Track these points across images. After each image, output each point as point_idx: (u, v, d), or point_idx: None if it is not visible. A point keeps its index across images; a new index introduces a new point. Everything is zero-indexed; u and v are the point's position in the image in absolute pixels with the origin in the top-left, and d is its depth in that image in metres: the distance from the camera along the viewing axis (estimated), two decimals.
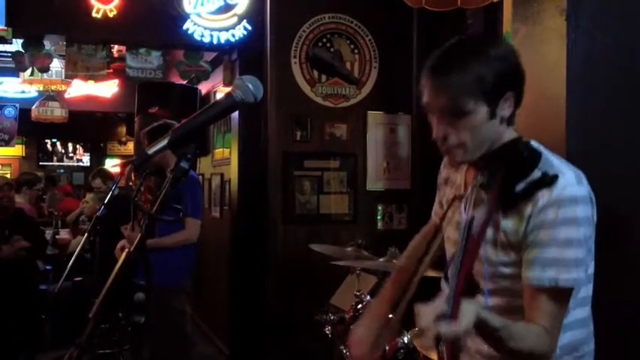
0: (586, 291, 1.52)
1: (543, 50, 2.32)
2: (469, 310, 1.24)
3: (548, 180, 1.33)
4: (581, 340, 1.52)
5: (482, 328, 1.30)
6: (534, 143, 1.43)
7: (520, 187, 1.31)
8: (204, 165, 7.06)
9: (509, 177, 1.30)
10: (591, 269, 1.52)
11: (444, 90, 1.43)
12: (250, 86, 1.24)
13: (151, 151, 1.17)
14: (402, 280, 1.71)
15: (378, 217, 5.06)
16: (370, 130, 5.06)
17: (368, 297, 3.09)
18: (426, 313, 1.23)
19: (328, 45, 5.03)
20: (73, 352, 1.10)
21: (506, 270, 1.46)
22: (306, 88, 4.96)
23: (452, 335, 1.21)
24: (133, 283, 1.16)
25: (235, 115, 5.44)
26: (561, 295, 1.40)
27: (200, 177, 6.88)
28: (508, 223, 1.44)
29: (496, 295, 1.48)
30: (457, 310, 1.21)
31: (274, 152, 4.94)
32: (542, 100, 2.28)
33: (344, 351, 2.99)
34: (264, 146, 5.04)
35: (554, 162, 1.45)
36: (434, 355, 2.86)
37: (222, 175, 6.22)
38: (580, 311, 1.51)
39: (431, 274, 1.72)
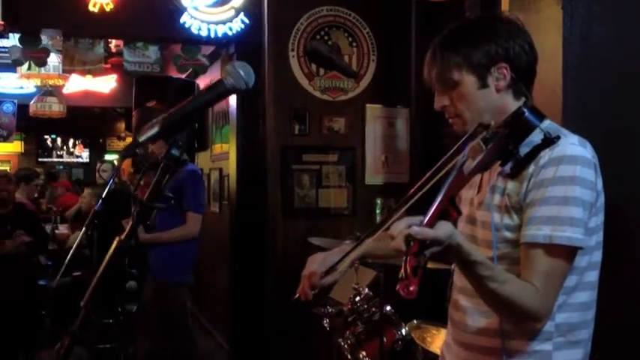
0: (592, 276, 1.50)
1: (540, 39, 2.29)
2: (446, 226, 1.26)
3: (550, 140, 1.34)
4: (578, 324, 1.50)
5: (459, 255, 1.31)
6: (548, 121, 1.45)
7: (524, 150, 1.33)
8: (202, 160, 7.05)
9: (511, 134, 1.33)
10: (598, 257, 1.51)
11: (435, 63, 1.55)
12: (242, 72, 1.23)
13: (142, 139, 1.17)
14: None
15: (377, 211, 5.05)
16: (369, 123, 5.05)
17: (366, 290, 3.09)
18: (400, 222, 1.26)
19: (326, 38, 5.01)
20: (65, 340, 1.10)
21: (510, 235, 1.47)
22: (304, 81, 4.94)
23: (421, 235, 1.21)
24: (125, 271, 1.15)
25: (233, 109, 5.44)
26: (556, 254, 1.38)
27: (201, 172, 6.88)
28: (511, 185, 1.46)
29: (502, 262, 1.47)
30: (432, 224, 1.24)
31: (273, 146, 4.92)
32: (539, 89, 2.26)
33: (342, 344, 2.99)
34: (262, 140, 5.02)
35: (561, 128, 1.49)
36: (432, 347, 2.86)
37: (220, 170, 6.21)
38: (582, 294, 1.49)
39: (442, 266, 1.73)
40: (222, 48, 5.56)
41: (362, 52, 5.07)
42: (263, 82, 4.91)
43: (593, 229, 1.46)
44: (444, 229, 1.25)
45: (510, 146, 1.34)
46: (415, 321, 3.09)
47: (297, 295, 1.86)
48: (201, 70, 5.71)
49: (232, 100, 5.46)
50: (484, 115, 1.50)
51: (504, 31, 1.51)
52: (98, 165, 6.95)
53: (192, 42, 5.41)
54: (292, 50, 4.92)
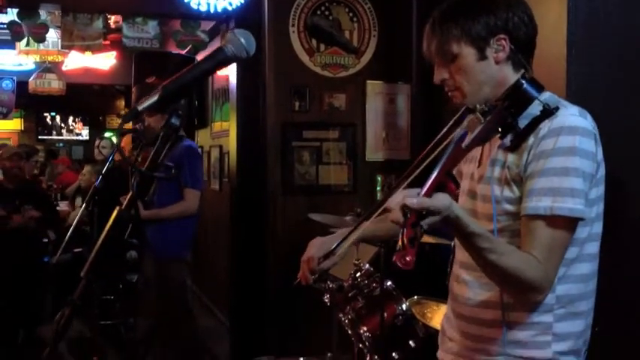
0: (592, 247, 1.50)
1: (542, 11, 2.27)
2: (443, 197, 1.27)
3: (550, 111, 1.34)
4: (578, 295, 1.50)
5: (457, 227, 1.31)
6: (548, 93, 1.45)
7: (523, 122, 1.33)
8: (202, 137, 7.03)
9: (509, 106, 1.34)
10: (598, 228, 1.51)
11: (434, 36, 1.55)
12: (242, 40, 1.21)
13: (140, 107, 1.15)
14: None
15: (378, 188, 5.05)
16: (369, 99, 5.02)
17: (367, 265, 3.09)
18: (397, 195, 1.26)
19: (327, 13, 4.96)
20: (65, 310, 1.09)
21: (511, 207, 1.46)
22: (304, 57, 4.90)
23: (418, 205, 1.21)
24: (125, 241, 1.14)
25: (233, 86, 5.40)
26: (557, 225, 1.38)
27: (199, 149, 6.86)
28: (512, 158, 1.46)
29: (503, 234, 1.48)
30: (429, 195, 1.24)
31: (273, 123, 4.90)
32: (542, 62, 2.24)
33: (343, 319, 2.99)
34: (262, 117, 5.00)
35: (560, 100, 1.48)
36: (432, 323, 2.87)
37: (221, 147, 6.20)
38: (583, 266, 1.49)
39: (442, 242, 1.74)
40: (222, 23, 5.52)
41: (363, 27, 5.02)
42: (263, 59, 4.87)
43: (594, 200, 1.45)
44: (441, 199, 1.26)
45: (509, 119, 1.34)
46: (416, 297, 3.10)
47: (298, 279, 1.89)
48: (201, 45, 5.67)
49: (232, 77, 5.42)
50: (483, 87, 1.51)
51: (503, 3, 1.51)
52: (97, 141, 6.95)
53: (192, 17, 5.36)
54: (292, 26, 4.87)
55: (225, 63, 1.23)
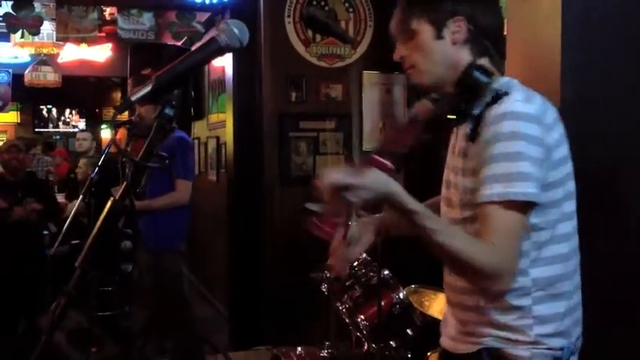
0: (565, 227, 1.49)
1: (538, 1, 2.27)
2: (375, 174, 1.31)
3: (496, 98, 1.38)
4: (558, 276, 1.49)
5: (396, 205, 1.34)
6: (507, 79, 1.48)
7: (476, 111, 1.37)
8: (199, 129, 7.02)
9: (459, 97, 1.40)
10: (569, 207, 1.50)
11: (396, 14, 1.60)
12: (236, 30, 1.21)
13: (134, 97, 1.15)
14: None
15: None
16: (366, 90, 5.01)
17: (364, 254, 3.09)
18: (331, 170, 1.29)
19: (322, 4, 4.95)
20: (60, 300, 1.10)
21: (472, 197, 1.47)
22: (300, 48, 4.89)
23: (342, 181, 1.26)
24: (119, 231, 1.14)
25: (229, 77, 5.39)
26: (510, 210, 1.37)
27: (196, 141, 6.86)
28: (472, 148, 1.47)
29: (474, 224, 1.47)
30: (362, 172, 1.29)
31: (269, 114, 4.90)
32: (536, 49, 2.25)
33: (340, 308, 3.01)
34: (259, 108, 4.99)
35: (516, 85, 1.49)
36: (430, 311, 2.88)
37: (217, 138, 6.19)
38: (558, 247, 1.48)
39: None
40: (218, 15, 5.51)
41: (359, 17, 5.01)
42: (259, 49, 4.87)
43: (557, 182, 1.44)
44: (371, 176, 1.29)
45: (462, 106, 1.36)
46: (413, 285, 3.11)
47: (332, 275, 1.87)
48: (197, 37, 5.66)
49: (228, 68, 5.41)
50: (438, 66, 1.54)
51: None
52: (77, 134, 7.00)
53: (187, 8, 5.36)
54: (288, 16, 4.86)
55: (218, 53, 1.23)
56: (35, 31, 5.53)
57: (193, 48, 6.05)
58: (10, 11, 5.27)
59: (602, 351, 2.01)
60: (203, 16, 5.75)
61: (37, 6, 5.34)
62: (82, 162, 6.40)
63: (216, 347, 4.44)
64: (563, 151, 1.47)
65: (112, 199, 1.15)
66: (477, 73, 1.41)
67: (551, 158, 1.42)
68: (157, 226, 3.86)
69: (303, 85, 4.89)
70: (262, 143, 4.91)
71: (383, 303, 2.75)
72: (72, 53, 9.17)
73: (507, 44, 2.57)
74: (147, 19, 5.53)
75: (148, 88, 1.16)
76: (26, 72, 8.89)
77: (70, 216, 3.60)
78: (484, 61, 1.54)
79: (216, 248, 6.24)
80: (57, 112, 13.74)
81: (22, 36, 7.51)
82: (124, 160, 2.69)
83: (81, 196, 3.60)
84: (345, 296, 2.96)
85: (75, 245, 5.32)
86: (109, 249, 1.11)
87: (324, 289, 3.16)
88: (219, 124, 6.08)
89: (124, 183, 1.16)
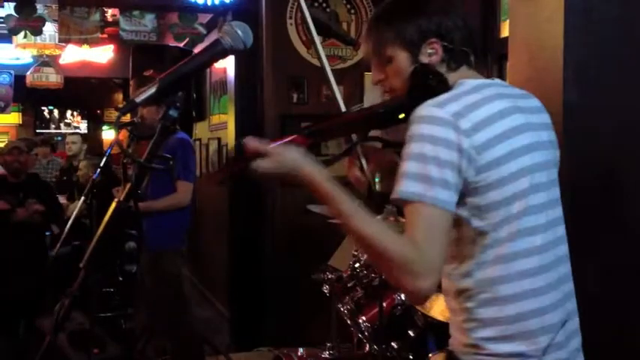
0: (510, 228, 1.42)
1: (540, 1, 2.28)
2: (290, 151, 1.42)
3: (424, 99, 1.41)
4: (499, 278, 1.43)
5: (311, 185, 1.40)
6: (459, 82, 1.48)
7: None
8: (201, 130, 7.03)
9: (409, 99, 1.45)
10: (510, 211, 1.41)
11: (369, 38, 1.59)
12: (240, 32, 1.21)
13: (138, 99, 1.15)
14: None
15: (377, 179, 5.04)
16: (367, 91, 5.01)
17: (365, 255, 3.10)
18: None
19: (324, 5, 4.96)
20: (64, 301, 1.10)
21: None
22: (302, 49, 4.90)
23: (250, 145, 1.37)
24: (123, 232, 1.15)
25: (231, 79, 5.40)
26: (425, 210, 1.34)
27: (197, 142, 6.86)
28: None
29: None
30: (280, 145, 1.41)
31: (271, 115, 4.90)
32: (539, 52, 2.25)
33: (342, 309, 3.01)
34: (260, 109, 5.00)
35: (456, 88, 1.47)
36: (431, 312, 2.89)
37: (219, 139, 6.20)
38: (499, 249, 1.42)
39: None
40: (220, 16, 5.51)
41: (360, 19, 5.02)
42: (261, 51, 4.87)
43: (495, 184, 1.39)
44: (281, 148, 1.40)
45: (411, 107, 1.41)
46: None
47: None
48: (199, 38, 5.66)
49: (230, 69, 5.42)
50: None
51: (436, 7, 1.53)
52: (67, 137, 7.03)
53: (189, 10, 5.36)
54: (290, 18, 4.87)
55: (222, 55, 1.24)
56: (37, 32, 5.54)
57: (196, 49, 6.09)
58: (13, 13, 5.28)
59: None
60: (205, 18, 5.76)
61: (40, 7, 5.35)
62: (82, 164, 6.42)
63: (217, 348, 4.44)
64: (500, 151, 1.40)
65: (116, 200, 1.15)
66: (423, 78, 1.44)
67: (479, 161, 1.37)
68: (157, 226, 3.86)
69: (304, 87, 4.90)
70: None
71: (385, 304, 2.75)
72: (74, 54, 9.17)
73: (510, 45, 2.58)
74: (149, 20, 5.54)
75: (152, 90, 1.16)
76: (28, 73, 8.89)
77: (72, 217, 3.61)
78: (463, 71, 1.53)
79: (217, 249, 6.24)
80: (58, 113, 13.75)
81: (25, 37, 7.52)
82: (125, 161, 2.69)
83: (82, 197, 3.61)
84: (347, 297, 2.97)
85: (77, 246, 5.34)
86: (114, 251, 1.11)
87: (325, 290, 3.16)
88: (221, 125, 6.09)
89: (128, 184, 1.17)
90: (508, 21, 2.90)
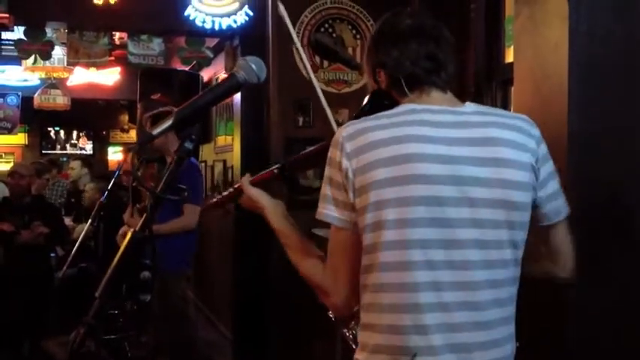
0: (378, 257, 1.40)
1: (545, 32, 2.32)
2: (255, 192, 1.68)
3: None
4: (369, 305, 1.43)
5: (266, 220, 1.64)
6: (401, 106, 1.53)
7: None
8: (206, 152, 7.06)
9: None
10: (372, 239, 1.40)
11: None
12: (254, 66, 1.24)
13: (155, 132, 1.18)
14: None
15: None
16: None
17: None
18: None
19: (330, 30, 5.02)
20: (80, 330, 1.12)
21: None
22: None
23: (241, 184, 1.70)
24: (138, 262, 1.17)
25: (237, 101, 5.45)
26: (331, 229, 1.49)
27: (203, 164, 6.90)
28: None
29: None
30: (256, 182, 1.70)
31: (277, 138, 4.93)
32: (545, 81, 2.28)
33: (347, 334, 3.01)
34: (266, 132, 5.03)
35: (397, 111, 1.49)
36: None
37: (224, 161, 6.23)
38: (372, 276, 1.42)
39: None
40: (227, 40, 5.57)
41: (366, 44, 5.06)
42: (267, 75, 4.88)
43: (362, 209, 1.40)
44: (253, 193, 1.66)
45: None
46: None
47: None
48: (206, 62, 5.72)
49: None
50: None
51: (389, 40, 1.56)
52: (70, 163, 7.13)
53: (197, 34, 5.41)
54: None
55: (237, 88, 1.27)
56: (46, 56, 5.60)
57: (203, 73, 6.13)
58: (22, 37, 5.34)
59: None
60: (212, 42, 5.82)
61: (49, 31, 5.42)
62: (88, 186, 6.45)
63: None
64: (369, 178, 1.39)
65: (131, 230, 1.17)
66: (377, 100, 1.55)
67: (354, 184, 1.41)
68: (163, 249, 3.87)
69: (310, 110, 4.93)
70: (269, 167, 4.92)
71: None
72: (81, 76, 9.26)
73: (515, 72, 2.61)
74: (156, 44, 5.60)
75: (169, 123, 1.19)
76: (35, 95, 8.97)
77: (79, 239, 3.63)
78: (415, 95, 1.51)
79: (222, 271, 6.24)
80: (64, 134, 13.81)
81: (35, 61, 7.61)
82: (134, 184, 2.72)
83: (89, 220, 3.64)
84: (352, 322, 2.96)
85: (83, 268, 5.35)
86: (129, 280, 1.13)
87: (330, 315, 3.16)
88: (227, 147, 6.12)
89: (144, 215, 1.19)
90: (512, 47, 2.94)
